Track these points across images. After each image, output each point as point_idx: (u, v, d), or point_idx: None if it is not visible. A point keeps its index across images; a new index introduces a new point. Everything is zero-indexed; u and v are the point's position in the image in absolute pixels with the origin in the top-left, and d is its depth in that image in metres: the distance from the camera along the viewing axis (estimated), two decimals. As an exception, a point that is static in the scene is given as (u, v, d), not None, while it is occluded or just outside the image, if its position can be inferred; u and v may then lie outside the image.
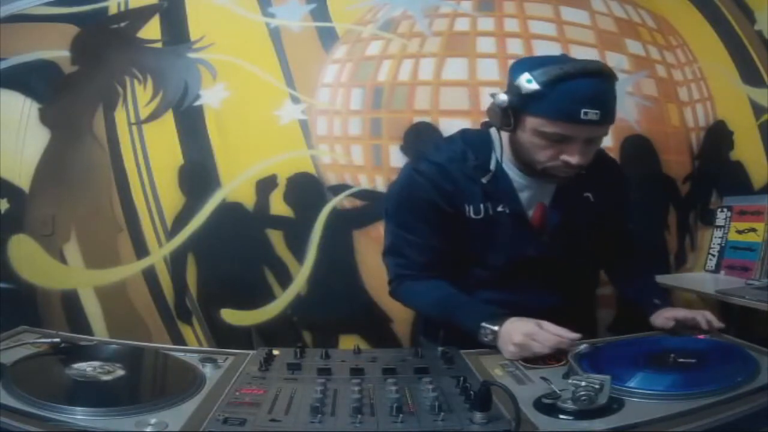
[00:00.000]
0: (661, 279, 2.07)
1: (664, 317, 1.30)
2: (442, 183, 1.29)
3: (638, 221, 2.18)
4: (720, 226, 2.20)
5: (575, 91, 1.14)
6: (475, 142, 1.32)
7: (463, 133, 1.39)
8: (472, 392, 0.90)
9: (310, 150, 2.19)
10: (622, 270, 1.49)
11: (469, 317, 1.23)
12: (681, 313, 1.28)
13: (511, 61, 1.27)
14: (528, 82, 1.15)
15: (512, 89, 1.19)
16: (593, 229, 1.38)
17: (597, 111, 1.14)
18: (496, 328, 1.17)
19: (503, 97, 1.19)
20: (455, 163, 1.30)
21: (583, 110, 1.13)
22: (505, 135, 1.28)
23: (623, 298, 1.48)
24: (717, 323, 1.23)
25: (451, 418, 0.85)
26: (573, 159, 1.19)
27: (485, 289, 1.34)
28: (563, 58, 1.23)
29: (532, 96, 1.15)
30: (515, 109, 1.19)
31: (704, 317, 1.24)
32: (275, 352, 1.16)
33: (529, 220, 1.32)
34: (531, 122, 1.19)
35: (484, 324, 1.18)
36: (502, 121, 1.22)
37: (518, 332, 1.13)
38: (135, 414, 0.86)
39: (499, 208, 1.29)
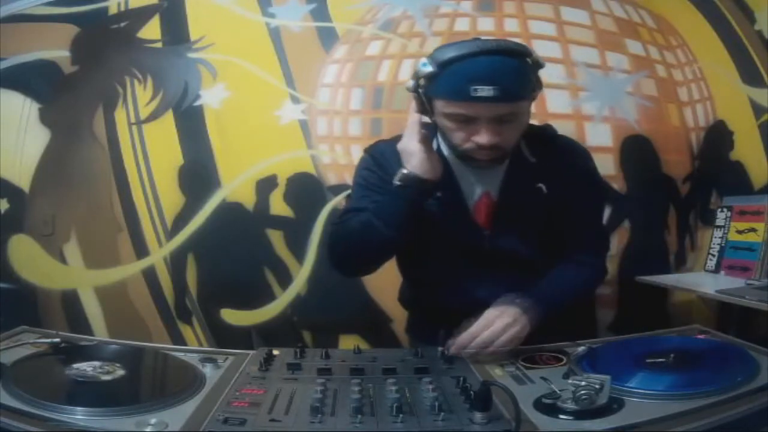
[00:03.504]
0: (662, 279, 2.08)
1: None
2: (382, 161, 1.32)
3: (638, 220, 2.20)
4: (720, 226, 2.20)
5: (465, 69, 1.13)
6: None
7: None
8: (472, 392, 0.90)
9: (310, 150, 2.19)
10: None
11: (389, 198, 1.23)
12: (484, 314, 1.16)
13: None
14: (423, 66, 1.17)
15: (414, 74, 1.21)
16: (550, 223, 1.31)
17: (490, 87, 1.11)
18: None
19: (410, 83, 1.22)
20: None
21: (472, 87, 1.12)
22: None
23: None
24: (459, 347, 1.11)
25: (451, 418, 0.85)
26: (481, 139, 1.17)
27: (438, 289, 1.32)
28: (472, 41, 1.19)
29: (429, 78, 1.17)
30: (424, 94, 1.21)
31: (462, 334, 1.12)
32: (275, 352, 1.16)
33: (470, 208, 1.30)
34: (436, 105, 1.20)
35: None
36: (419, 107, 1.23)
37: None
38: (135, 414, 0.86)
39: (437, 194, 1.26)
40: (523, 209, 1.29)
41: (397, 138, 1.32)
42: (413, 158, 1.19)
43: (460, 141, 1.22)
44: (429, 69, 1.17)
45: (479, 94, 1.12)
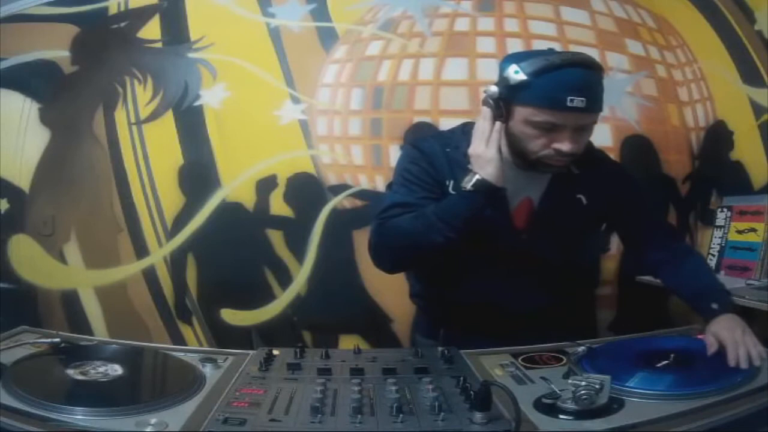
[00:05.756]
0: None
1: (710, 333, 1.17)
2: (433, 159, 1.32)
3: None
4: (720, 226, 2.20)
5: (561, 79, 1.17)
6: (470, 127, 1.33)
7: (464, 125, 1.41)
8: (472, 392, 0.90)
9: (310, 150, 2.19)
10: (671, 271, 1.39)
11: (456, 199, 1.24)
12: (722, 334, 1.14)
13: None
14: (516, 73, 1.19)
15: (502, 81, 1.22)
16: (584, 231, 1.37)
17: (583, 98, 1.16)
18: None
19: (494, 89, 1.23)
20: (448, 149, 1.33)
21: (569, 98, 1.15)
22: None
23: (682, 300, 1.37)
24: (747, 360, 1.07)
25: (451, 418, 0.85)
26: (564, 146, 1.20)
27: (465, 286, 1.33)
28: (551, 51, 1.25)
29: (520, 86, 1.19)
30: (505, 101, 1.22)
31: (735, 350, 1.09)
32: (275, 352, 1.16)
33: (510, 211, 1.32)
34: (521, 112, 1.21)
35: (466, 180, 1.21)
36: (495, 113, 1.23)
37: None
38: (135, 414, 0.86)
39: None
40: (561, 217, 1.32)
41: (441, 134, 1.37)
42: (490, 166, 1.20)
43: (538, 148, 1.23)
44: (522, 77, 1.18)
45: (574, 104, 1.16)
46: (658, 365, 1.06)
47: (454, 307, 1.36)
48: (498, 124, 1.22)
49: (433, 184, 1.30)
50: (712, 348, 1.14)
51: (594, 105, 1.20)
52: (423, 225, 1.22)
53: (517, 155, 1.27)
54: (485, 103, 1.25)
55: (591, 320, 1.58)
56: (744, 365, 1.06)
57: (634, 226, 1.41)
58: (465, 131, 1.34)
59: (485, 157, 1.20)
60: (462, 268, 1.32)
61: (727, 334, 1.14)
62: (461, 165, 1.27)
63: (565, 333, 1.24)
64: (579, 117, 1.20)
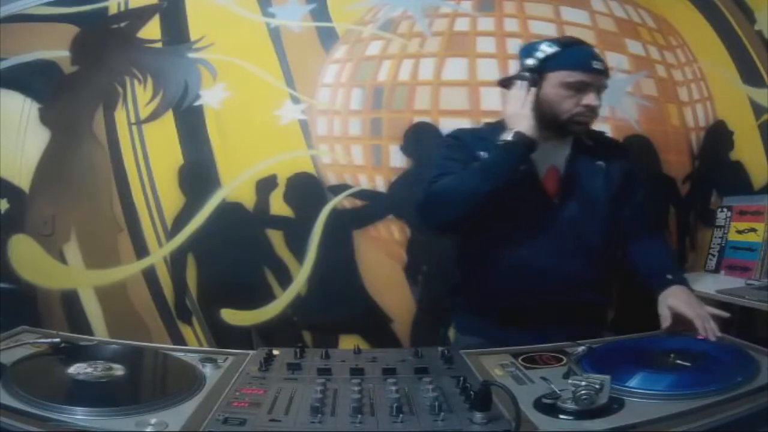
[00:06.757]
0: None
1: (666, 306, 1.31)
2: (465, 139, 1.53)
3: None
4: (720, 226, 2.20)
5: (582, 50, 1.48)
6: (496, 124, 1.54)
7: (487, 123, 1.65)
8: (472, 392, 0.90)
9: (310, 150, 2.19)
10: (633, 243, 1.54)
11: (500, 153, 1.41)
12: (682, 308, 1.28)
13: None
14: (549, 47, 1.46)
15: (535, 56, 1.45)
16: (608, 199, 1.50)
17: (601, 63, 1.46)
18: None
19: (531, 61, 1.45)
20: (479, 134, 1.54)
21: (593, 62, 1.45)
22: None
23: (634, 274, 1.52)
24: (715, 332, 1.22)
25: (451, 418, 0.85)
26: (593, 101, 1.44)
27: (501, 249, 1.46)
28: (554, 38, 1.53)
29: (554, 56, 1.44)
30: (540, 70, 1.45)
31: (703, 323, 1.24)
32: (275, 352, 1.17)
33: (540, 179, 1.47)
34: (555, 77, 1.44)
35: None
36: (531, 81, 1.44)
37: None
38: (135, 414, 0.86)
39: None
40: (587, 182, 1.49)
41: (472, 129, 1.63)
42: (524, 120, 1.40)
43: (571, 106, 1.44)
44: (555, 49, 1.45)
45: (597, 66, 1.45)
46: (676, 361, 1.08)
47: (495, 295, 1.46)
48: (532, 89, 1.43)
49: (470, 161, 1.46)
50: (666, 322, 1.28)
51: (607, 70, 1.49)
52: (470, 176, 1.41)
53: (546, 124, 1.43)
54: (519, 77, 1.46)
55: (601, 319, 1.64)
56: (714, 337, 1.20)
57: (628, 211, 1.54)
58: (490, 126, 1.58)
59: (521, 114, 1.41)
60: (502, 247, 1.45)
61: (688, 309, 1.28)
62: (492, 143, 1.43)
63: (600, 324, 1.40)
64: (600, 78, 1.46)
